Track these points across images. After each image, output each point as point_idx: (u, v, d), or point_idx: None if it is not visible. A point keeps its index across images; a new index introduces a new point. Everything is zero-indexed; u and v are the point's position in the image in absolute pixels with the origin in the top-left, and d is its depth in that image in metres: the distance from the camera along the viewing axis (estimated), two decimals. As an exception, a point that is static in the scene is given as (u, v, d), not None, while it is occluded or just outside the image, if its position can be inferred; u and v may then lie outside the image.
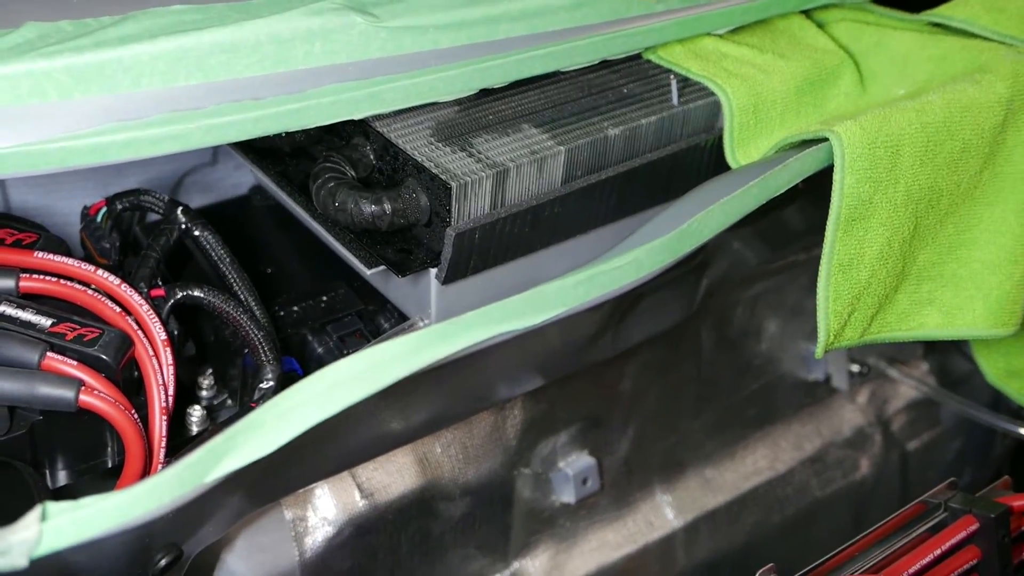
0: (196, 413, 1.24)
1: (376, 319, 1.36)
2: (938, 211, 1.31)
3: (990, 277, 1.38)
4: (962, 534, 1.21)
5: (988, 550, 1.22)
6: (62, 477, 1.13)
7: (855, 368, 1.89)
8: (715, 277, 1.60)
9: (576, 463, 1.57)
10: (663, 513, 1.69)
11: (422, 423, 1.33)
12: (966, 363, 1.75)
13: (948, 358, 1.95)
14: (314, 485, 1.32)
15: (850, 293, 1.25)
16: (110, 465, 1.15)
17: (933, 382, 1.96)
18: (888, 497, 1.93)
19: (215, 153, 1.52)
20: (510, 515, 1.53)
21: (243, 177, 1.55)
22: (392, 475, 1.38)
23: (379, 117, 1.23)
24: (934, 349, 1.95)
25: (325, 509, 1.34)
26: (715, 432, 1.77)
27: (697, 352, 1.71)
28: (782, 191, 1.20)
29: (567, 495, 1.58)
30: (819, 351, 1.27)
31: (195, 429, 1.24)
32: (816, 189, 1.26)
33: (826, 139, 1.21)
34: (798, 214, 1.60)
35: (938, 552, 1.19)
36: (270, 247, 1.44)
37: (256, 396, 1.19)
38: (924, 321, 1.37)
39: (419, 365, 0.96)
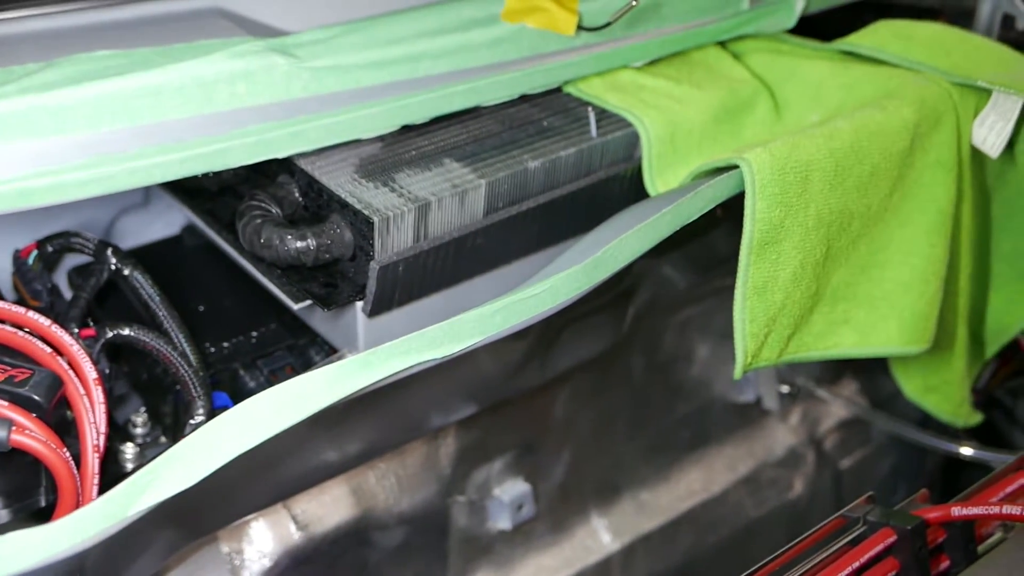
0: (129, 451, 1.26)
1: (307, 353, 1.38)
2: (850, 233, 1.35)
3: (903, 296, 1.42)
4: (880, 547, 1.23)
5: (906, 561, 1.25)
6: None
7: (785, 389, 1.93)
8: (643, 303, 1.63)
9: (511, 489, 1.60)
10: (599, 537, 1.72)
11: (354, 453, 1.35)
12: (892, 382, 1.79)
13: (875, 377, 1.99)
14: (249, 518, 1.34)
15: (766, 315, 1.28)
16: (43, 504, 1.16)
17: (862, 401, 2.00)
18: (822, 515, 1.95)
19: (147, 194, 1.54)
20: (446, 543, 1.56)
21: (175, 217, 1.57)
22: (327, 506, 1.40)
23: (303, 155, 1.26)
24: (862, 368, 1.99)
25: (261, 542, 1.36)
26: (649, 455, 1.80)
27: (629, 377, 1.74)
28: (695, 217, 1.23)
29: (503, 521, 1.60)
30: (737, 372, 1.31)
31: (129, 467, 1.26)
32: (738, 215, 1.29)
33: (738, 166, 1.25)
34: (723, 239, 1.63)
35: (857, 564, 1.22)
36: (202, 285, 1.46)
37: (187, 432, 1.21)
38: (840, 340, 1.40)
39: (339, 395, 0.99)
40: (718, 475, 1.86)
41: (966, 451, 1.86)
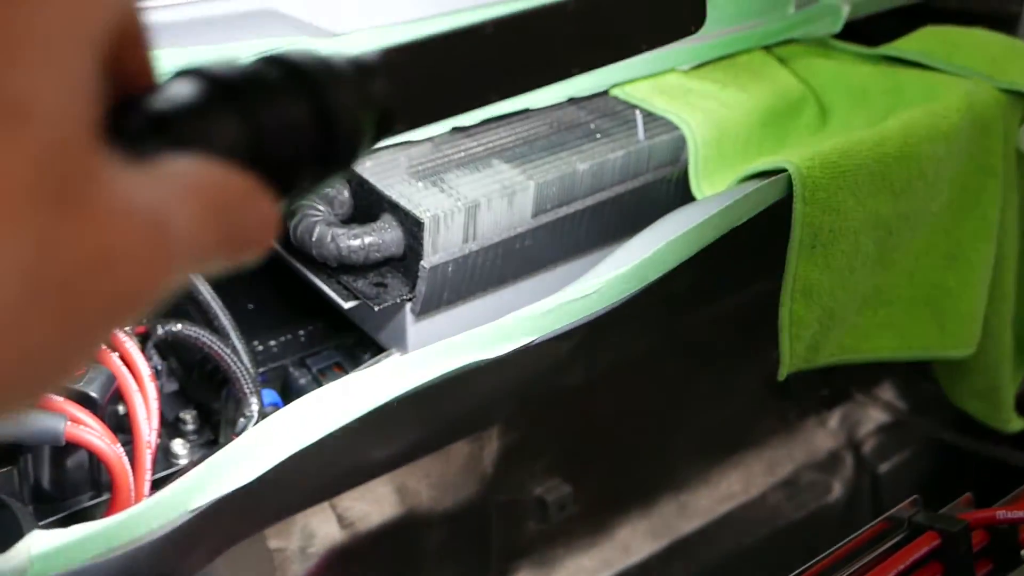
0: (180, 447, 1.28)
1: (355, 351, 1.39)
2: (895, 238, 1.35)
3: (945, 300, 1.42)
4: (924, 550, 1.24)
5: (950, 565, 1.25)
6: (50, 511, 1.16)
7: (825, 392, 1.93)
8: (684, 304, 1.63)
9: (552, 490, 1.60)
10: (639, 538, 1.72)
11: (398, 452, 1.36)
12: (934, 384, 1.79)
13: (916, 381, 1.99)
14: (296, 515, 1.35)
15: (810, 317, 1.29)
16: (97, 499, 1.18)
17: (901, 405, 2.00)
18: (861, 518, 1.96)
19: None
20: (488, 542, 1.56)
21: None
22: (371, 504, 1.41)
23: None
24: (901, 371, 1.99)
25: (306, 539, 1.37)
26: (689, 457, 1.80)
27: (669, 378, 1.74)
28: (743, 221, 1.24)
29: (544, 521, 1.61)
30: (782, 373, 1.32)
31: (180, 463, 1.27)
32: (782, 218, 1.29)
33: (785, 170, 1.25)
34: (765, 241, 1.64)
35: (901, 567, 1.22)
36: (249, 283, 1.47)
37: (238, 429, 1.22)
38: (882, 344, 1.41)
39: (392, 394, 1.00)
40: (757, 477, 1.86)
41: (1008, 455, 1.86)
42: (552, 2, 0.59)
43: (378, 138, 0.50)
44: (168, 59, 1.14)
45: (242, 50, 1.22)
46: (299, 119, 0.44)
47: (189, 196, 0.38)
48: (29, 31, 0.32)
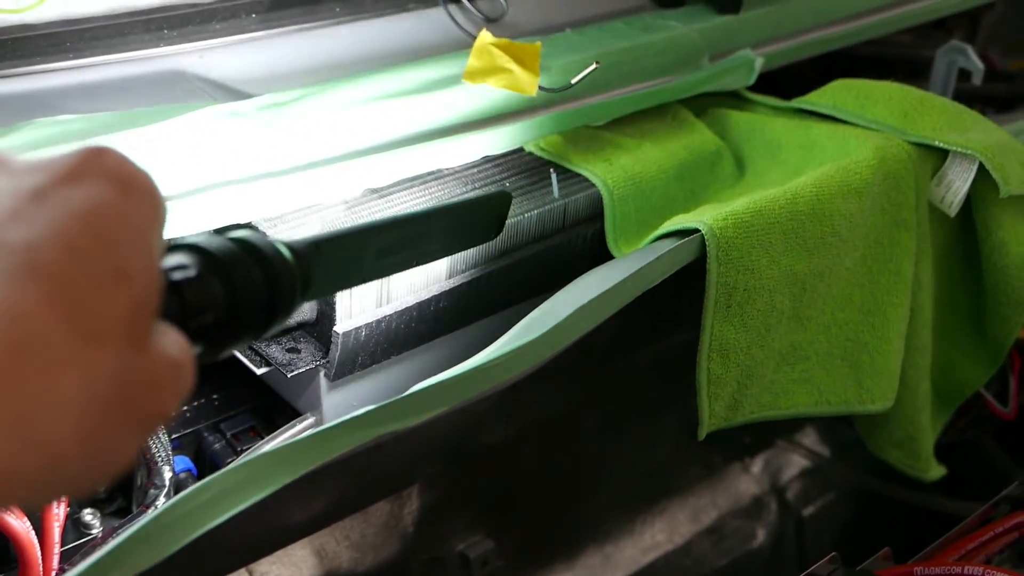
0: (91, 517, 1.25)
1: (270, 414, 1.37)
2: (812, 294, 1.35)
3: (863, 355, 1.43)
4: (844, 608, 1.25)
5: (869, 622, 1.26)
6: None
7: (747, 439, 1.93)
8: (605, 357, 1.63)
9: (475, 545, 1.59)
10: (564, 591, 1.72)
11: (317, 516, 1.35)
12: (855, 430, 1.80)
13: (837, 425, 2.00)
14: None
15: (727, 376, 1.29)
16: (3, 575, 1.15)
17: (824, 450, 2.01)
18: (786, 564, 1.97)
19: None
20: (410, 601, 1.55)
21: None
22: (289, 568, 1.40)
23: (265, 219, 1.26)
24: (824, 417, 2.00)
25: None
26: (614, 507, 1.80)
27: (591, 430, 1.73)
28: (658, 282, 1.23)
29: (467, 578, 1.60)
30: (701, 433, 1.32)
31: (91, 533, 1.25)
32: (698, 274, 1.29)
33: (699, 230, 1.25)
34: (686, 295, 1.64)
35: (821, 627, 1.23)
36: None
37: (148, 500, 1.20)
38: (801, 400, 1.41)
39: (303, 470, 0.98)
40: (682, 526, 1.86)
41: (930, 499, 1.88)
42: (419, 212, 0.91)
43: (304, 298, 0.67)
44: (71, 128, 1.13)
45: (153, 116, 1.20)
46: (257, 281, 0.61)
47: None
48: (131, 230, 0.50)
